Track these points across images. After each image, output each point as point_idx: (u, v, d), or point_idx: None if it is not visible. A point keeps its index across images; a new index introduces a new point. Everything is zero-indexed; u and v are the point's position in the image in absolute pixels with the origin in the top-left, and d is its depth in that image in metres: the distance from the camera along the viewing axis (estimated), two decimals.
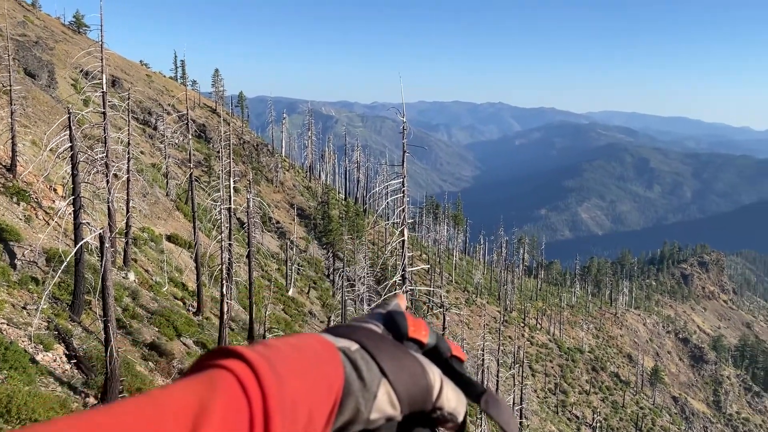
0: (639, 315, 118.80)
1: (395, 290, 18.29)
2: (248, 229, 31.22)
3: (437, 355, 0.88)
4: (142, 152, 54.21)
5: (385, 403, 0.77)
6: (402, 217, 18.24)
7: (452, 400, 0.88)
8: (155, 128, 62.93)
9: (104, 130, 22.28)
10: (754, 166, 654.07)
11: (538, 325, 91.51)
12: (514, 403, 43.75)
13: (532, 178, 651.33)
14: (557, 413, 72.08)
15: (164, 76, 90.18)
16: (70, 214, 19.34)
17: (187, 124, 32.00)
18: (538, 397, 71.50)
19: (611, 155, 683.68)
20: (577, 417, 73.03)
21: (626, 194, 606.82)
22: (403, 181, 17.97)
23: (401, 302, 0.92)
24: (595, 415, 67.57)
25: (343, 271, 45.48)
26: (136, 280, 27.73)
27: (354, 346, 0.81)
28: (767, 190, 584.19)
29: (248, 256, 31.24)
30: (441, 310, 31.26)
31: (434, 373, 0.85)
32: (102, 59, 21.88)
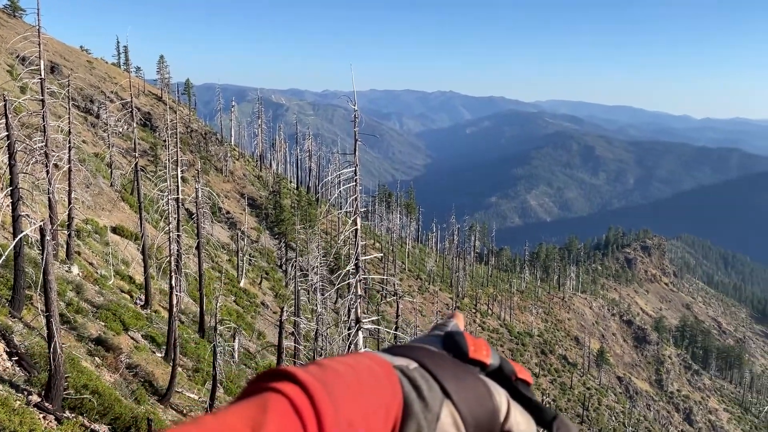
0: (585, 299, 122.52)
1: (348, 279, 18.28)
2: (197, 219, 30.60)
3: (501, 377, 0.83)
4: (84, 141, 52.29)
5: (449, 426, 0.72)
6: (355, 206, 18.20)
7: (522, 424, 0.81)
8: (98, 116, 60.76)
9: (43, 118, 21.37)
10: (693, 153, 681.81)
11: (490, 311, 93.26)
12: None
13: (482, 166, 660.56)
14: None
15: (106, 63, 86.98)
16: (8, 206, 18.52)
17: (131, 112, 31.01)
18: None
19: (558, 143, 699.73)
20: None
21: (573, 181, 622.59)
22: (355, 170, 17.91)
23: (459, 322, 0.88)
24: (544, 397, 69.53)
25: (295, 261, 45.17)
26: (80, 274, 26.83)
27: (412, 365, 0.76)
28: (705, 177, 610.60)
29: (198, 248, 30.66)
30: (394, 298, 31.50)
31: (500, 395, 0.80)
32: (39, 44, 20.94)
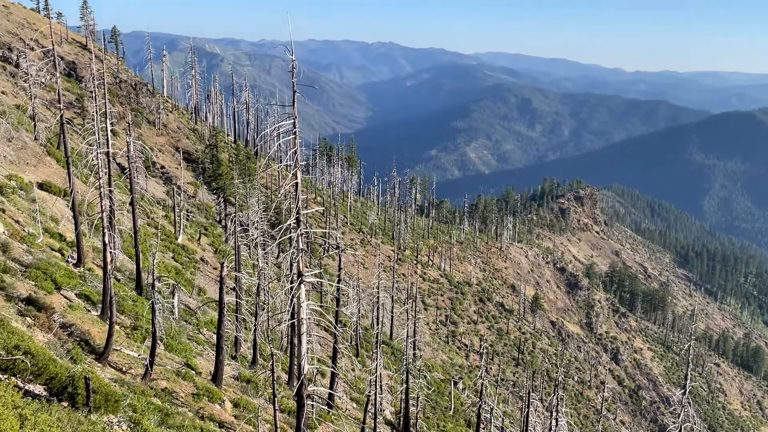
0: (522, 248, 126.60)
1: (290, 234, 18.17)
2: (130, 174, 29.51)
3: None
4: (3, 92, 49.06)
5: None
6: (294, 159, 17.94)
7: None
8: (17, 66, 56.90)
9: None
10: (624, 105, 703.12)
11: (430, 262, 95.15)
12: (408, 336, 45.59)
13: (423, 119, 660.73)
14: (448, 343, 76.28)
15: (24, 8, 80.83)
16: None
17: (53, 61, 29.17)
18: (430, 329, 75.11)
19: (497, 96, 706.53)
20: (466, 345, 77.75)
21: (511, 134, 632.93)
22: (294, 123, 17.58)
23: None
24: (482, 342, 72.26)
25: (235, 216, 44.45)
26: (6, 232, 25.57)
27: None
28: (634, 128, 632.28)
29: (131, 203, 29.69)
30: (337, 251, 31.57)
31: None
32: None
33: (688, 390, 23.86)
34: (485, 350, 38.75)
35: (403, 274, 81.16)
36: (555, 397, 33.86)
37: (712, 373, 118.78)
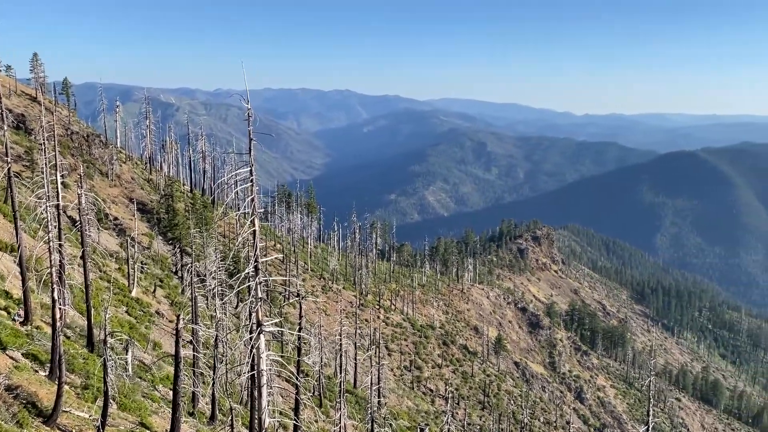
0: (483, 289, 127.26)
1: (248, 282, 17.83)
2: (81, 227, 28.66)
3: None
4: None
5: None
6: (252, 206, 17.79)
7: None
8: None
9: None
10: (575, 147, 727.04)
11: (393, 306, 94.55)
12: (372, 384, 44.81)
13: (381, 164, 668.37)
14: (413, 388, 75.21)
15: None
16: None
17: (0, 113, 28.48)
18: (394, 375, 74.02)
19: (453, 140, 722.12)
20: (431, 390, 76.76)
21: (468, 177, 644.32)
22: (251, 170, 17.49)
23: None
24: (448, 387, 71.45)
25: (192, 267, 43.47)
26: None
27: None
28: (586, 169, 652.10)
29: (83, 257, 28.74)
30: (297, 299, 31.06)
31: None
32: None
33: (650, 426, 23.97)
34: (451, 395, 38.33)
35: (366, 320, 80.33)
36: None
37: (674, 408, 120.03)
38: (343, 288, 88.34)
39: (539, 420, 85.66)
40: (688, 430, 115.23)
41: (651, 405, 24.12)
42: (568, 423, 79.17)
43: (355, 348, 61.20)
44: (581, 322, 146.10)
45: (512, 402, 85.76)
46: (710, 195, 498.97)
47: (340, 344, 38.27)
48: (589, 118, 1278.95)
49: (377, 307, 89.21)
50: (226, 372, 33.60)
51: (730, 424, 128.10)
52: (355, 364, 61.33)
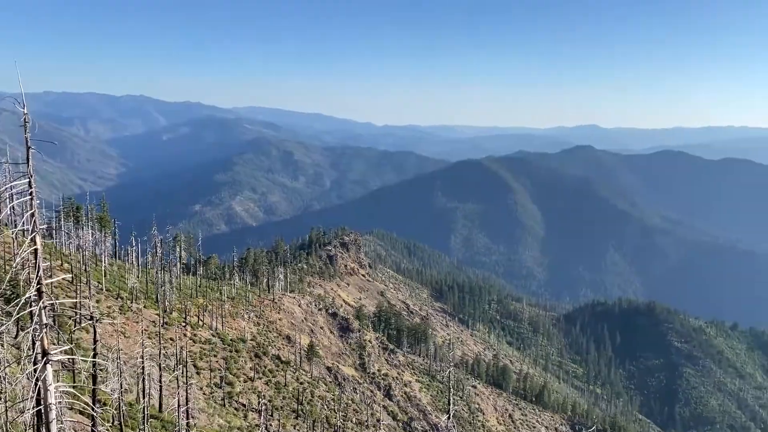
0: (295, 298, 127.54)
1: (30, 307, 15.95)
2: None
3: None
4: None
5: None
6: (32, 222, 15.97)
7: None
8: None
9: None
10: (377, 156, 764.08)
11: (201, 322, 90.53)
12: (179, 405, 42.59)
13: (184, 173, 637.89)
14: (224, 405, 72.78)
15: None
16: None
17: None
18: (204, 393, 71.01)
19: (259, 149, 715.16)
20: (244, 405, 74.98)
21: (276, 186, 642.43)
22: (30, 182, 15.70)
23: None
24: (260, 399, 70.43)
25: None
26: None
27: None
28: (389, 177, 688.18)
29: None
30: (91, 322, 28.43)
31: None
32: None
33: (451, 414, 26.10)
34: (264, 407, 37.90)
35: (172, 339, 75.95)
36: None
37: (471, 395, 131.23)
38: (145, 307, 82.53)
39: (351, 421, 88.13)
40: (483, 413, 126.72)
41: (451, 394, 26.25)
42: (378, 421, 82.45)
43: (160, 369, 57.55)
44: (388, 323, 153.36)
45: (326, 407, 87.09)
46: (494, 199, 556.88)
47: (143, 367, 35.72)
48: (388, 128, 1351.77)
49: (183, 324, 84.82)
50: (6, 411, 29.61)
51: (518, 404, 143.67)
52: (160, 386, 57.67)
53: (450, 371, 27.01)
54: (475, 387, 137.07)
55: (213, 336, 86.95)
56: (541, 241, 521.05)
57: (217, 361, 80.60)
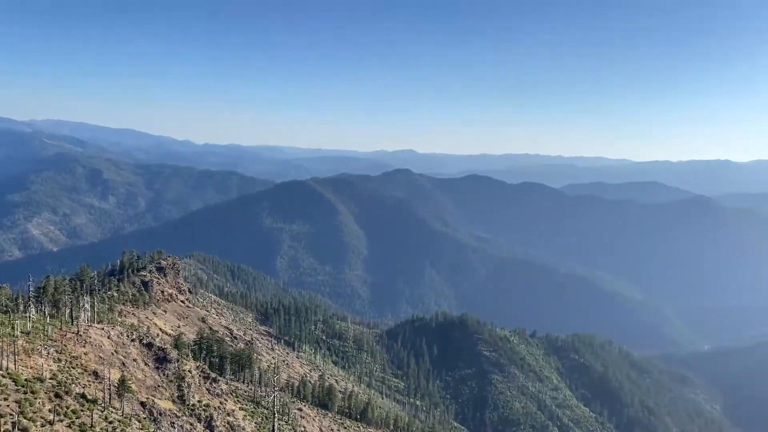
0: (103, 329, 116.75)
1: None
2: None
3: None
4: None
5: None
6: None
7: None
8: None
9: None
10: (198, 176, 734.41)
11: None
12: None
13: None
14: None
15: None
16: None
17: None
18: None
19: (61, 166, 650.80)
20: None
21: (81, 206, 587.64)
22: None
23: None
24: None
25: None
26: None
27: None
28: (210, 197, 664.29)
29: None
30: None
31: None
32: None
33: None
34: None
35: None
36: None
37: (296, 418, 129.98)
38: None
39: None
40: None
41: (276, 419, 25.84)
42: None
43: None
44: (210, 350, 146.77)
45: None
46: (319, 220, 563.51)
47: None
48: (209, 147, 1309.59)
49: None
50: None
51: (343, 423, 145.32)
52: None
53: (275, 396, 26.74)
54: (300, 410, 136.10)
55: (3, 377, 76.53)
56: (364, 260, 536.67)
57: (7, 406, 71.02)
